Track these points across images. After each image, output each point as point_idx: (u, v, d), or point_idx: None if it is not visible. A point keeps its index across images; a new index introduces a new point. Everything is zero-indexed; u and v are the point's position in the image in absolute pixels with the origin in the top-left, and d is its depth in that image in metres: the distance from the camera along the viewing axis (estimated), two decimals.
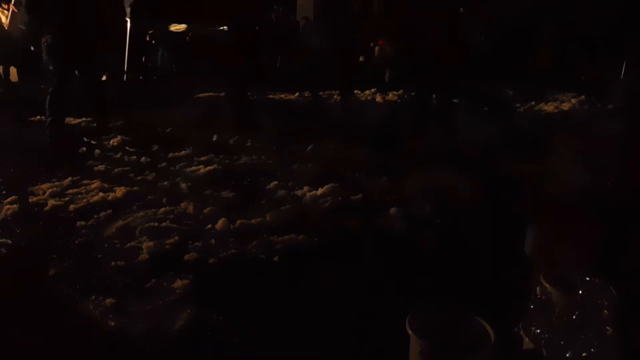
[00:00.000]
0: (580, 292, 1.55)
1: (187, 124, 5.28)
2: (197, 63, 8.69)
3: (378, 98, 7.37)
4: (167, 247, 2.73)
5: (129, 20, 6.78)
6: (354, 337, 2.02)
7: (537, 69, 7.45)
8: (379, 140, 4.64)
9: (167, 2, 6.77)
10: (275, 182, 3.73)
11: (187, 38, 8.92)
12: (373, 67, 8.57)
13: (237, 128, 5.07)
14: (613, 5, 6.72)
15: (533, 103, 6.82)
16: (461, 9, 7.05)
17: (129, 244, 2.76)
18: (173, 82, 7.85)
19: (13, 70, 8.62)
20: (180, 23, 7.78)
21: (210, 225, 3.01)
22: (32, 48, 7.79)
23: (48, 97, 4.49)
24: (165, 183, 3.68)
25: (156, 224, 2.97)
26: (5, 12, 7.42)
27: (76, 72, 4.70)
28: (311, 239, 2.85)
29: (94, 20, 4.49)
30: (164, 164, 4.13)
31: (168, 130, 5.14)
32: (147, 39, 8.94)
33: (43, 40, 4.39)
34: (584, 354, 1.44)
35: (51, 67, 4.41)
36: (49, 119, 4.53)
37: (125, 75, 6.43)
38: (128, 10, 6.53)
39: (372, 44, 8.55)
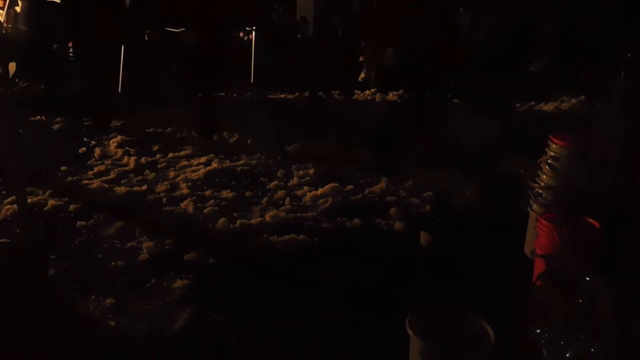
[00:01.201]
0: (580, 292, 1.56)
1: (187, 124, 5.27)
2: (197, 63, 8.66)
3: (378, 98, 7.35)
4: (167, 247, 2.73)
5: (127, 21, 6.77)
6: (354, 337, 2.02)
7: (537, 68, 7.45)
8: (379, 140, 4.63)
9: (164, 3, 6.75)
10: (275, 182, 3.73)
11: (188, 38, 8.90)
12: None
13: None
14: (613, 6, 6.72)
15: (533, 103, 6.81)
16: (461, 9, 7.05)
17: (129, 244, 2.76)
18: (173, 82, 7.82)
19: (12, 69, 8.60)
20: (178, 26, 7.77)
21: (210, 225, 3.01)
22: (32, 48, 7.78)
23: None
24: (165, 183, 3.68)
25: (156, 223, 2.97)
26: (1, 11, 7.38)
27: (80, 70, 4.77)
28: (311, 239, 2.85)
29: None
30: (164, 164, 4.13)
31: (168, 130, 5.13)
32: (146, 38, 8.93)
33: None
34: (584, 354, 1.44)
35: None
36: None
37: (119, 87, 6.43)
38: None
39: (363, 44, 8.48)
